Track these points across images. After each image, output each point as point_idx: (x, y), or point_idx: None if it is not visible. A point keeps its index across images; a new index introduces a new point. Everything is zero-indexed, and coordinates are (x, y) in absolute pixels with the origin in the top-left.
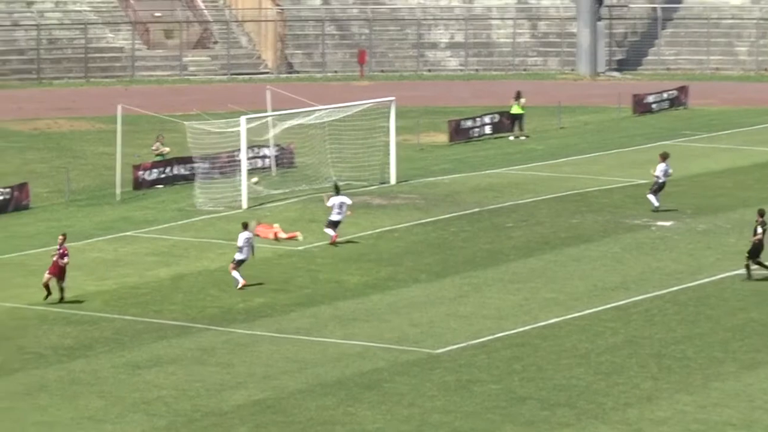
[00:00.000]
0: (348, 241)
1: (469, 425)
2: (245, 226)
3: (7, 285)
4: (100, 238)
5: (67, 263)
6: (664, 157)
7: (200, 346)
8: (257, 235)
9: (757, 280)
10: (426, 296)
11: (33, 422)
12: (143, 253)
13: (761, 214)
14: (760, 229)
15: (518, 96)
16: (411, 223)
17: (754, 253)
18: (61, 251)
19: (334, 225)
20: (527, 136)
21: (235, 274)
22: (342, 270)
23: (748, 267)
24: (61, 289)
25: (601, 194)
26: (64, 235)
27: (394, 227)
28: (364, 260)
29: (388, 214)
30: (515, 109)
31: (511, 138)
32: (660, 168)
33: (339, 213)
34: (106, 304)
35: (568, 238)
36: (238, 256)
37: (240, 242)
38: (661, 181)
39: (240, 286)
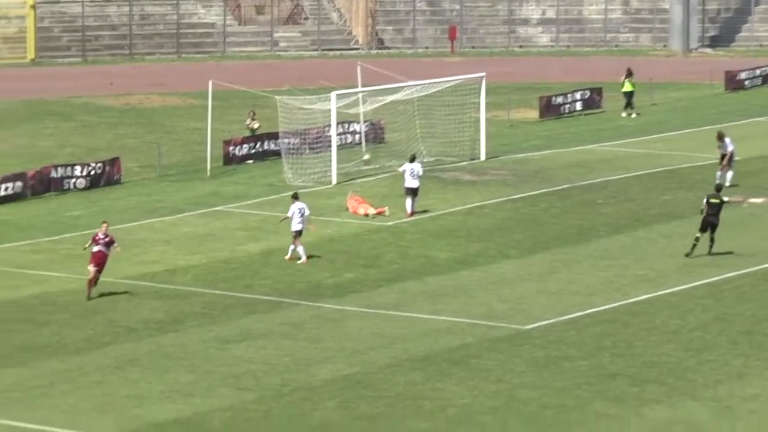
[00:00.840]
0: (438, 217)
1: (557, 401)
2: (295, 197)
3: None
4: (191, 213)
5: (118, 251)
6: (721, 136)
7: (289, 321)
8: (347, 209)
9: None
10: (515, 272)
11: (123, 395)
12: (233, 228)
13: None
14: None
15: (629, 73)
16: (501, 199)
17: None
18: (106, 239)
19: (412, 192)
20: (639, 114)
21: (300, 249)
22: (431, 246)
23: None
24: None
25: (693, 171)
26: (106, 222)
27: (483, 203)
28: (453, 236)
29: (477, 190)
30: (626, 87)
31: (624, 115)
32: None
33: (414, 178)
34: (196, 279)
35: (659, 215)
36: (295, 227)
37: (290, 212)
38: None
39: (302, 260)
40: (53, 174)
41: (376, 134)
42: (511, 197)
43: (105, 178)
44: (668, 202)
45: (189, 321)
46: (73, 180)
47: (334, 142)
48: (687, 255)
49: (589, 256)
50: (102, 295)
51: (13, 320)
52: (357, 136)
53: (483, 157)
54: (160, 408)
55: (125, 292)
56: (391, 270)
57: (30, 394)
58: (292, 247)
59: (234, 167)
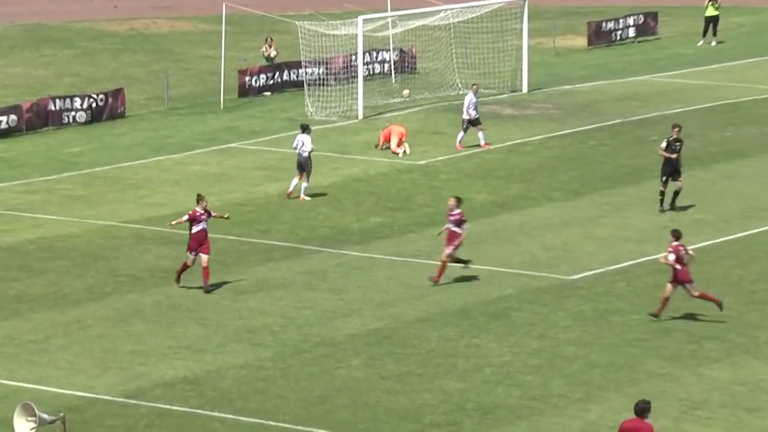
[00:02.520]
0: (474, 155)
1: (606, 359)
2: (303, 128)
3: (101, 201)
4: (202, 150)
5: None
6: None
7: (310, 270)
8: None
9: None
10: (560, 217)
11: (127, 351)
12: (249, 167)
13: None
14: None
15: None
16: (545, 136)
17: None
18: (205, 215)
19: (473, 123)
20: (721, 42)
21: (302, 185)
22: (468, 187)
23: None
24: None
25: (757, 104)
26: (204, 197)
27: (525, 140)
28: (492, 176)
29: (519, 125)
30: (710, 11)
31: (700, 43)
32: None
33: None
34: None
35: (719, 153)
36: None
37: (294, 143)
38: None
39: (288, 191)
40: (51, 106)
41: (407, 63)
42: (557, 133)
43: (107, 111)
44: (729, 138)
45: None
46: (73, 113)
47: (361, 72)
48: None
49: (642, 198)
50: (105, 239)
51: (6, 267)
52: (386, 66)
53: (525, 89)
54: (167, 365)
55: (129, 238)
56: (423, 213)
57: (25, 348)
58: (295, 180)
59: (250, 99)
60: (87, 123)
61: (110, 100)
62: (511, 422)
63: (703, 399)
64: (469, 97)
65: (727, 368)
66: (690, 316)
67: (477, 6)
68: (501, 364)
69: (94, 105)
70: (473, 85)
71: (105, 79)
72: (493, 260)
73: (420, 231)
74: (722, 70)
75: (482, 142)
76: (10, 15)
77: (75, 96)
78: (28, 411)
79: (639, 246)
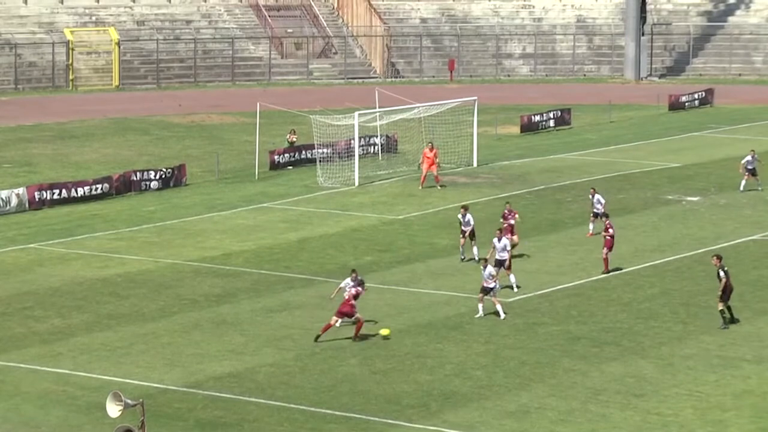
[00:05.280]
0: (439, 212)
1: (534, 359)
2: (354, 272)
3: (170, 245)
4: (243, 209)
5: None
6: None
7: (321, 295)
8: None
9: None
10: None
11: (188, 354)
12: (276, 221)
13: (719, 258)
14: (722, 273)
15: None
16: (490, 198)
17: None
18: (355, 290)
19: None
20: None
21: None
22: (434, 235)
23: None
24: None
25: (643, 175)
26: (355, 271)
27: (476, 200)
28: (452, 227)
29: (471, 190)
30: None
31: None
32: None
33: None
34: (246, 261)
35: (615, 210)
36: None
37: (342, 283)
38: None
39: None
40: (133, 177)
41: (390, 145)
42: (498, 196)
43: (174, 180)
44: (622, 200)
45: (241, 295)
46: (149, 182)
47: (357, 151)
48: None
49: (559, 243)
50: (172, 273)
51: (101, 294)
52: (376, 147)
53: (475, 164)
54: (217, 364)
55: (189, 272)
56: (402, 254)
57: (114, 353)
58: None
59: (277, 172)
60: (159, 189)
61: (176, 172)
62: (465, 405)
63: (604, 388)
64: None
65: (621, 365)
66: (594, 328)
67: (440, 104)
68: (458, 362)
69: (164, 176)
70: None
71: (172, 157)
72: (451, 287)
73: (399, 266)
74: (617, 150)
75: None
76: (103, 111)
77: (150, 170)
78: (117, 398)
79: (557, 277)
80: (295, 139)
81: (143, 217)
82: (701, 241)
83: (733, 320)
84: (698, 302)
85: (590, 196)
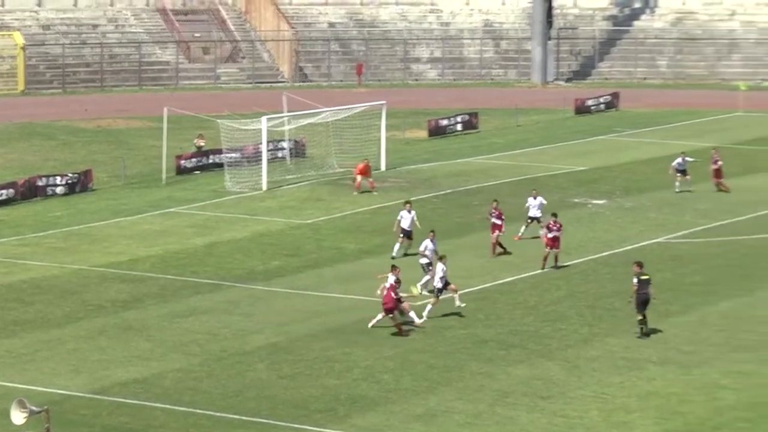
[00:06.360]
0: (347, 216)
1: (442, 362)
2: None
3: (76, 251)
4: (150, 214)
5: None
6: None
7: (228, 300)
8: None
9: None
10: (409, 260)
11: (94, 360)
12: (183, 226)
13: (640, 265)
14: (635, 280)
15: None
16: (398, 202)
17: (643, 306)
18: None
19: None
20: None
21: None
22: (342, 239)
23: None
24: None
25: (549, 179)
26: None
27: (384, 204)
28: (360, 231)
29: (379, 194)
30: None
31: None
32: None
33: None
34: (153, 266)
35: (522, 214)
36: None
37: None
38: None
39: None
40: (39, 183)
41: (298, 150)
42: (405, 199)
43: (80, 185)
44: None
45: (147, 300)
46: (55, 187)
47: (265, 156)
48: (644, 336)
49: (467, 246)
50: (78, 278)
51: (5, 300)
52: (283, 152)
53: (383, 168)
54: (123, 370)
55: (96, 278)
56: (310, 258)
57: (19, 360)
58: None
59: (184, 177)
60: (65, 195)
61: (82, 177)
62: (372, 408)
63: (511, 390)
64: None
65: (528, 368)
66: (501, 331)
67: (349, 108)
68: (366, 366)
69: (70, 181)
70: (407, 202)
71: (78, 162)
72: (360, 292)
73: (307, 271)
74: (524, 153)
75: None
76: (9, 116)
77: (56, 175)
78: (21, 405)
79: (465, 281)
80: (203, 144)
81: (49, 223)
82: (607, 243)
83: (646, 331)
84: (604, 305)
85: (532, 198)
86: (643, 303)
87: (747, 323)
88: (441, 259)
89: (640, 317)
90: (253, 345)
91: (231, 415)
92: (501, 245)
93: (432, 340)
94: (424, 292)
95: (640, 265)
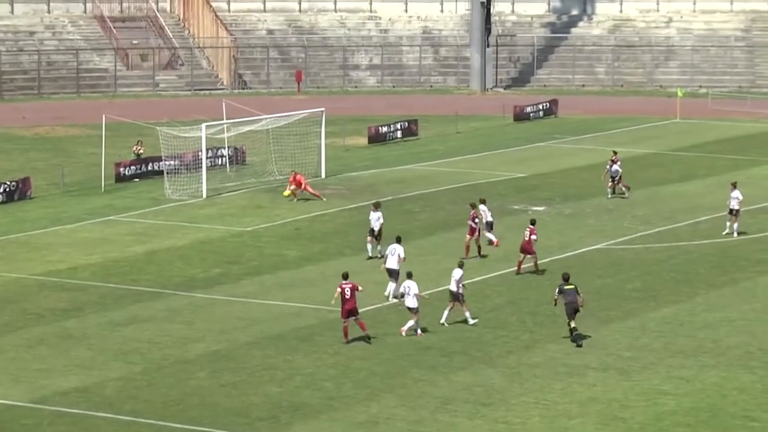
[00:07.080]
0: (288, 223)
1: (383, 369)
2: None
3: (14, 259)
4: (89, 222)
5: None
6: (735, 185)
7: (169, 308)
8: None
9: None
10: (350, 267)
11: (34, 369)
12: (123, 234)
13: (565, 278)
14: (557, 291)
15: None
16: (338, 209)
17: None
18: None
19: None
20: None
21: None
22: (283, 246)
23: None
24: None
25: (489, 185)
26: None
27: (324, 212)
28: (301, 238)
29: (320, 201)
30: None
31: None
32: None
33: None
34: (93, 275)
35: (463, 220)
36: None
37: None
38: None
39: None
40: None
41: (238, 157)
42: (347, 207)
43: (18, 193)
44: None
45: (87, 309)
46: None
47: (204, 163)
48: (578, 346)
49: (408, 253)
50: (17, 287)
51: None
52: (223, 159)
53: (324, 175)
54: (63, 379)
55: (35, 287)
56: (251, 266)
57: None
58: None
59: (124, 185)
60: (3, 203)
61: (20, 185)
62: (314, 416)
63: (453, 397)
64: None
65: (470, 375)
66: (443, 338)
67: (288, 115)
68: (307, 374)
69: (8, 189)
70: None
71: (16, 170)
72: (301, 299)
73: (248, 278)
74: (464, 160)
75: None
76: None
77: None
78: None
79: None
80: (142, 151)
81: None
82: (547, 250)
83: (575, 339)
84: (545, 311)
85: (481, 206)
86: (573, 312)
87: (687, 329)
88: (461, 266)
89: (571, 326)
90: (194, 353)
91: (173, 424)
92: (479, 248)
93: (374, 347)
94: (393, 300)
95: (565, 277)
